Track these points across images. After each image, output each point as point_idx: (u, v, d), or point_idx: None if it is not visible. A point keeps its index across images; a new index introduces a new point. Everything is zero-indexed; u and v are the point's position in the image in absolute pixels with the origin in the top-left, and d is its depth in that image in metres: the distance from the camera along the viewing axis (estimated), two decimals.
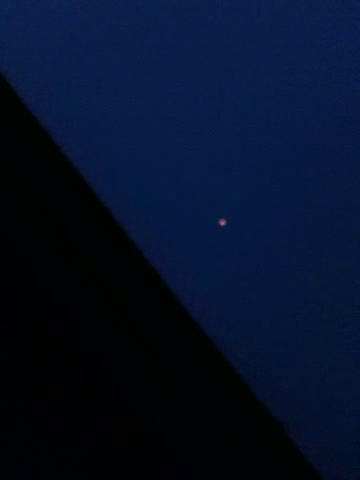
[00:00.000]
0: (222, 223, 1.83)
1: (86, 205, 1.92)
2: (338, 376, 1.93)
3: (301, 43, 1.80)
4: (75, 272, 1.89)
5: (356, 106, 1.79)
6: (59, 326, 1.86)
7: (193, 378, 1.89)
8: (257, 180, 1.84)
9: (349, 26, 1.81)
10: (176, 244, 1.91)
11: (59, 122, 1.86)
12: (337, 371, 1.93)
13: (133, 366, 1.86)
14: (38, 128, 1.78)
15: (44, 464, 1.73)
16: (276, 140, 1.84)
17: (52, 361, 1.84)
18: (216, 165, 1.86)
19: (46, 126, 1.83)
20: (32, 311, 1.86)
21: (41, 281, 1.86)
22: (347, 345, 1.88)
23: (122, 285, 1.93)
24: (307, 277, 1.86)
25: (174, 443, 1.82)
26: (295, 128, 1.83)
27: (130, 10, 1.80)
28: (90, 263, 1.92)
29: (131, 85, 1.84)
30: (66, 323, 1.86)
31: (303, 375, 1.91)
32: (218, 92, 1.84)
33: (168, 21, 1.80)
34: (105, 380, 1.83)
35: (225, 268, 1.88)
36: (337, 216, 1.83)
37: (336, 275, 1.86)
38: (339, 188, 1.83)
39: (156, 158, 1.89)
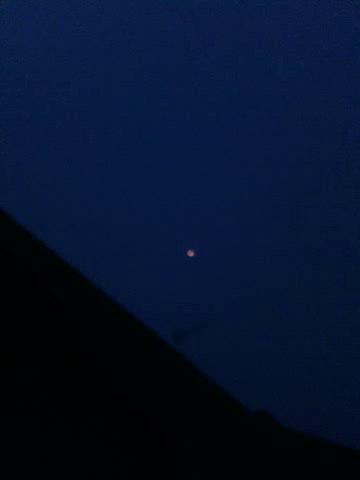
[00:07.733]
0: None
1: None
2: None
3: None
4: (75, 272, 1.90)
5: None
6: (59, 326, 1.86)
7: (194, 377, 1.89)
8: None
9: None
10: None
11: None
12: None
13: (133, 366, 1.86)
14: None
15: (44, 463, 1.73)
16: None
17: (52, 361, 1.84)
18: None
19: None
20: (32, 311, 1.86)
21: (41, 281, 1.86)
22: None
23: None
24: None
25: (174, 443, 1.82)
26: None
27: None
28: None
29: None
30: (66, 323, 1.87)
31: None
32: None
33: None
34: (105, 380, 1.84)
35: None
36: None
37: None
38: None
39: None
